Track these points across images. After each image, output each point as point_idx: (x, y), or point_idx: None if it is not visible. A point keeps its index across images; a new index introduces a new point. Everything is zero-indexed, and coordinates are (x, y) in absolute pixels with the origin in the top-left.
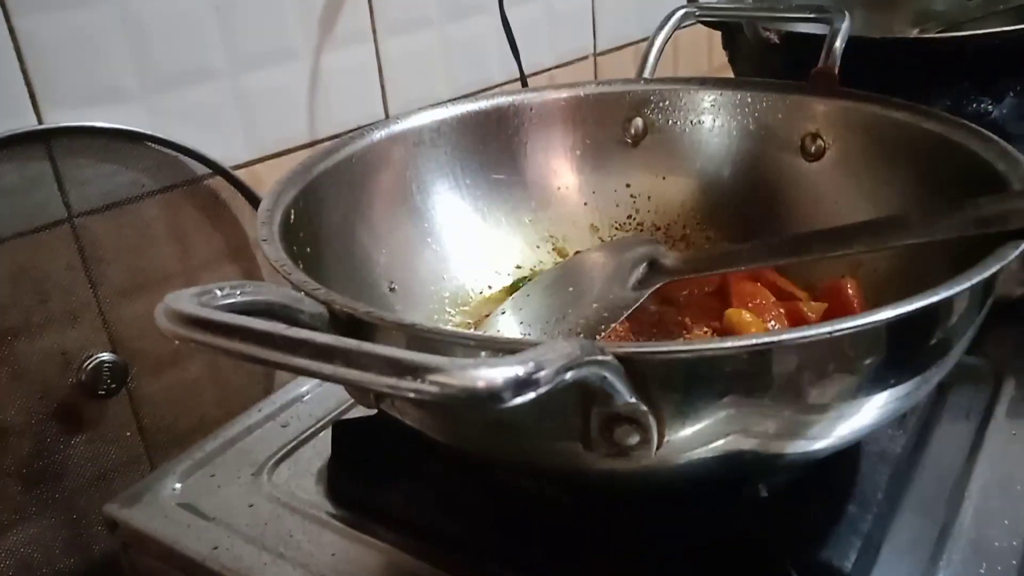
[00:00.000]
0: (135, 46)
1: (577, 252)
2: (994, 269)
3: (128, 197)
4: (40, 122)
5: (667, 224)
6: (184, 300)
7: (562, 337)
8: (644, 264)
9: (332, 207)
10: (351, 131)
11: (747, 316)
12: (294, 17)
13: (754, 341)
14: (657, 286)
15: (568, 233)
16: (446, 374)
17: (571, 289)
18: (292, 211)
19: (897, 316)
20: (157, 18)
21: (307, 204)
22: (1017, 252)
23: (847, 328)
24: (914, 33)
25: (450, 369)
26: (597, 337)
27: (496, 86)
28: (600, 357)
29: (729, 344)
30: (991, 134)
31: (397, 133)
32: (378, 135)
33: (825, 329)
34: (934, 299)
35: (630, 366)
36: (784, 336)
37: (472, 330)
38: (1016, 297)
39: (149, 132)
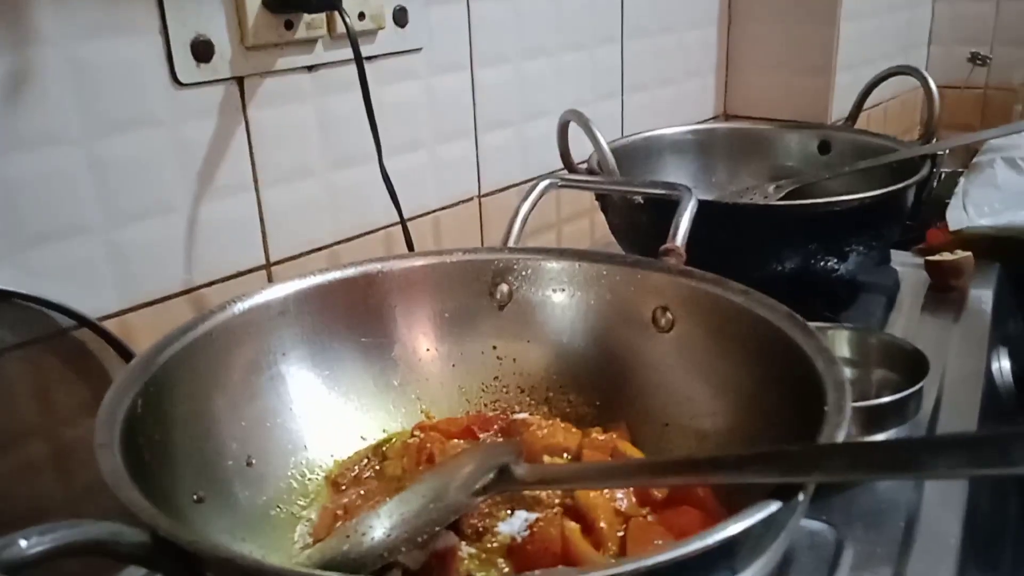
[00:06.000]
0: (2, 205)
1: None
2: (749, 523)
3: None
4: None
5: (531, 387)
6: None
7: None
8: (493, 471)
9: (187, 385)
10: (229, 277)
11: (594, 496)
12: (172, 171)
13: None
14: (496, 492)
15: (436, 396)
16: None
17: (423, 495)
18: (139, 400)
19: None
20: (26, 178)
21: (158, 388)
22: (768, 513)
23: (650, 564)
24: (771, 188)
25: None
26: (420, 539)
27: (380, 228)
28: None
29: None
30: (812, 327)
31: (260, 304)
32: (240, 307)
33: (629, 568)
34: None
35: None
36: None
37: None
38: None
39: (10, 288)
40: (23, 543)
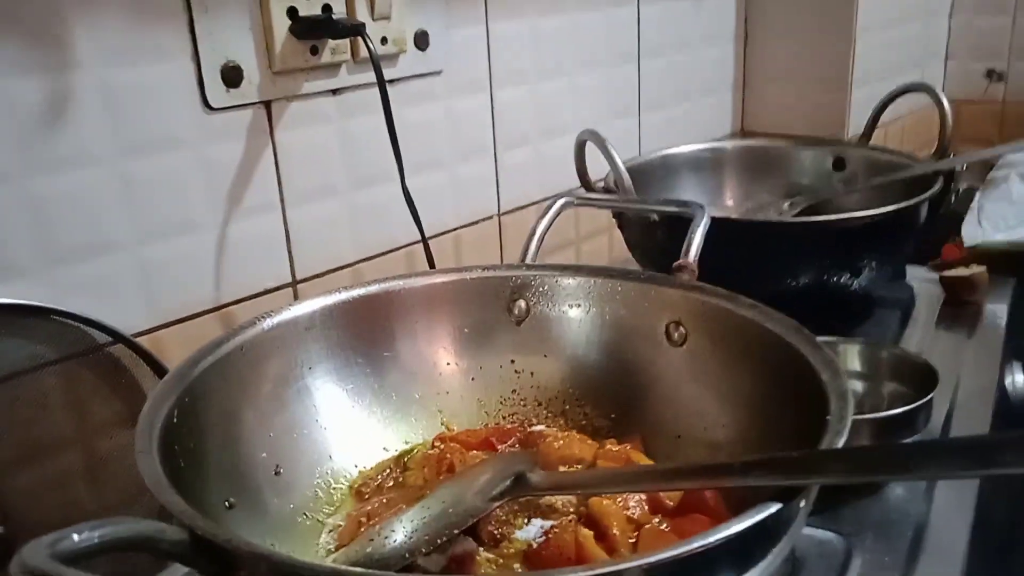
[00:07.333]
0: (36, 222)
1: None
2: (751, 522)
3: (24, 369)
4: None
5: (548, 400)
6: (38, 553)
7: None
8: (510, 479)
9: (219, 397)
10: (256, 295)
11: (607, 504)
12: (201, 192)
13: None
14: (512, 498)
15: (456, 408)
16: None
17: (443, 501)
18: (176, 410)
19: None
20: (61, 197)
21: (192, 399)
22: (769, 513)
23: (654, 561)
24: (786, 205)
25: None
26: (439, 541)
27: (402, 247)
28: None
29: None
30: (819, 341)
31: (288, 320)
32: (269, 323)
33: (635, 563)
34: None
35: None
36: (601, 570)
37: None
38: None
39: (48, 305)
40: (75, 537)
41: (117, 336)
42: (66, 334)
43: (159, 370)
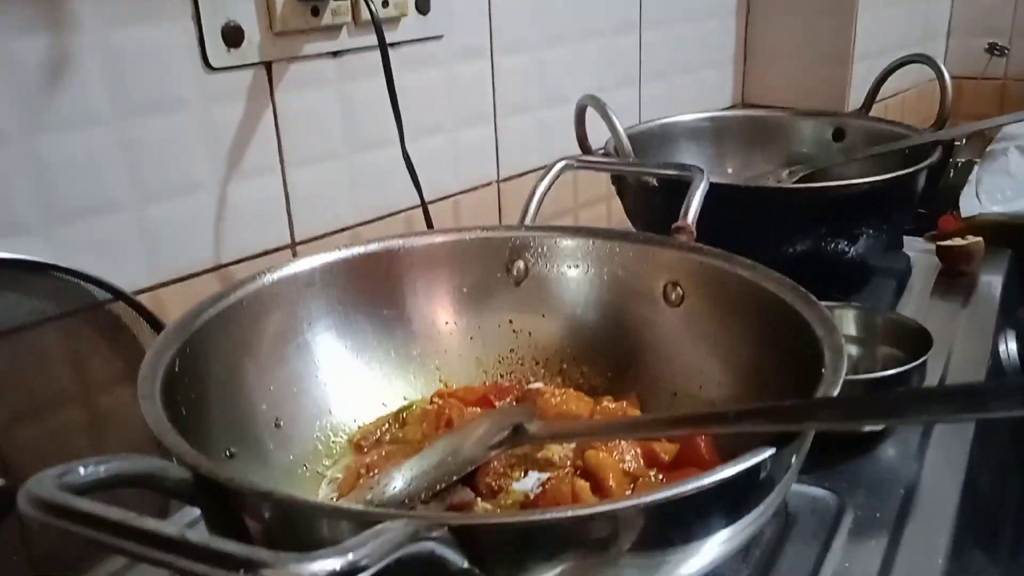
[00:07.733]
0: (38, 181)
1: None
2: (745, 465)
3: (26, 323)
4: None
5: (546, 359)
6: (45, 484)
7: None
8: (509, 429)
9: (220, 349)
10: (255, 256)
11: (603, 457)
12: (202, 152)
13: (570, 514)
14: (510, 447)
15: (454, 366)
16: (273, 570)
17: (442, 450)
18: (177, 360)
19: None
20: (63, 157)
21: (194, 350)
22: (763, 457)
23: (649, 501)
24: (785, 174)
25: (275, 564)
26: (438, 487)
27: (401, 211)
28: (434, 533)
29: (550, 516)
30: (814, 298)
31: (289, 276)
32: (270, 278)
33: (631, 503)
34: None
35: (464, 535)
36: (597, 509)
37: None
38: (862, 433)
39: (51, 262)
40: (81, 470)
41: (117, 293)
42: (67, 291)
43: (159, 328)
